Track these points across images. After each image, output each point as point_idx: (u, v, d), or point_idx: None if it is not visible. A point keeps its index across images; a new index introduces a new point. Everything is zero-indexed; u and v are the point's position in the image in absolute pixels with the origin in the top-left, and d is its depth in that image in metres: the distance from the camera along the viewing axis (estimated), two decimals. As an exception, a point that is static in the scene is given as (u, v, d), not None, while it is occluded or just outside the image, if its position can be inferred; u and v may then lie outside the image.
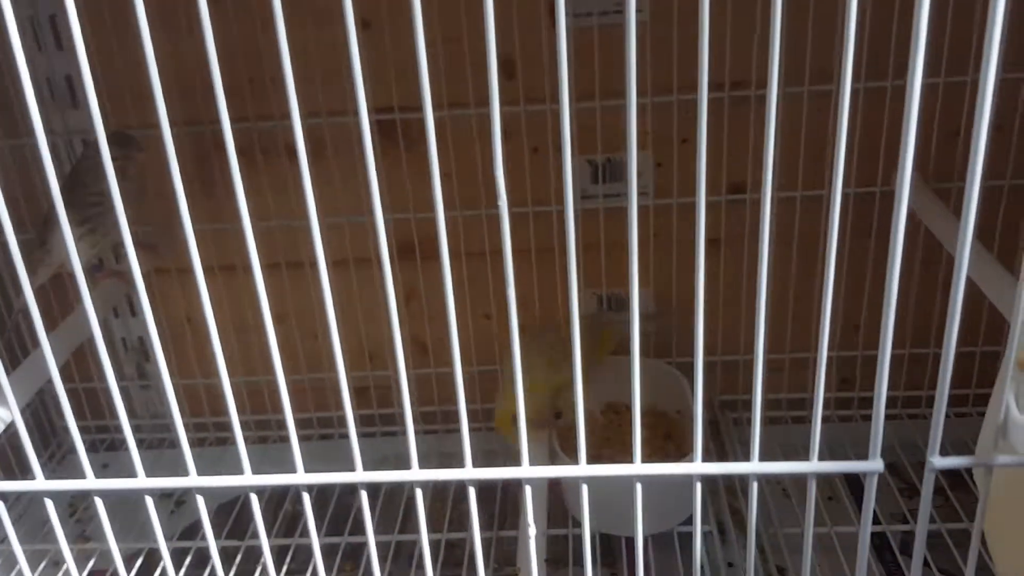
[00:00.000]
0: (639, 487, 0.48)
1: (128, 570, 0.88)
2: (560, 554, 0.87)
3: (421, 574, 0.53)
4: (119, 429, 0.48)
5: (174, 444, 0.49)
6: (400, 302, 0.99)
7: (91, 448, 1.08)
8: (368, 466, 0.48)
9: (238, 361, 0.99)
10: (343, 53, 0.38)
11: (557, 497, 0.91)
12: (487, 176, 0.91)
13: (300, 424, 0.52)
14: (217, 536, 0.54)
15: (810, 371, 1.00)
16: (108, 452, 1.08)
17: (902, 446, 0.94)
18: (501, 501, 0.96)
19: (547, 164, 0.93)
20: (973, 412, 0.97)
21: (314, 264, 0.43)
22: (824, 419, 0.47)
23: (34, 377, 0.72)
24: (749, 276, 0.95)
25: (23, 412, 0.51)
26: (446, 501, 0.95)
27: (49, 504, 0.52)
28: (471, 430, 0.48)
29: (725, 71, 0.86)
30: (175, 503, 1.02)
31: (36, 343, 0.48)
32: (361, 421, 1.06)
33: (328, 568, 0.89)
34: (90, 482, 0.50)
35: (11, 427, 0.52)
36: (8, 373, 0.48)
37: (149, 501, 0.51)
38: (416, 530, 0.50)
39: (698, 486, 0.48)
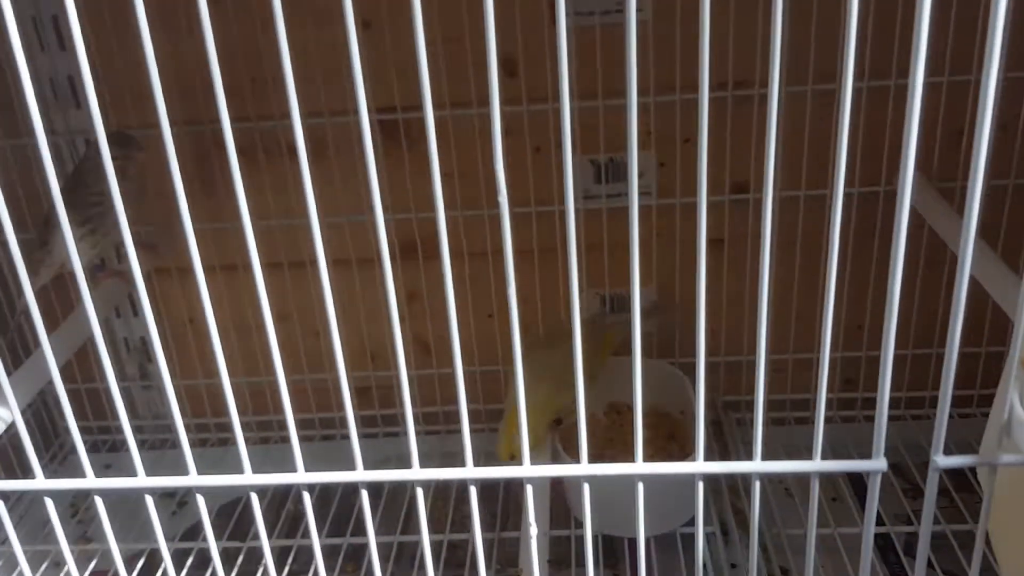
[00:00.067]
0: (641, 486, 0.48)
1: (129, 571, 0.88)
2: (562, 555, 0.87)
3: (423, 575, 0.53)
4: (121, 430, 0.48)
5: (176, 445, 0.49)
6: (402, 302, 0.99)
7: (93, 449, 1.08)
8: (370, 467, 0.48)
9: (239, 361, 0.99)
10: (343, 53, 0.38)
11: (559, 497, 0.91)
12: (489, 176, 0.90)
13: (302, 424, 0.52)
14: (218, 537, 0.54)
15: (814, 372, 1.00)
16: (110, 453, 1.08)
17: (906, 447, 0.94)
18: (503, 501, 0.96)
19: (549, 164, 0.92)
20: (977, 413, 0.97)
21: (315, 263, 0.43)
22: (827, 420, 0.47)
23: (35, 377, 0.72)
24: (752, 276, 0.94)
25: (24, 412, 0.51)
26: (448, 502, 0.95)
27: (49, 504, 0.52)
28: (473, 431, 0.47)
29: (728, 70, 0.86)
30: (177, 504, 1.02)
31: (38, 343, 0.48)
32: (363, 421, 1.06)
33: (330, 569, 0.89)
34: (90, 481, 0.50)
35: (12, 427, 0.52)
36: (9, 373, 0.48)
37: (149, 500, 0.51)
38: (418, 531, 0.50)
39: (700, 485, 0.48)
